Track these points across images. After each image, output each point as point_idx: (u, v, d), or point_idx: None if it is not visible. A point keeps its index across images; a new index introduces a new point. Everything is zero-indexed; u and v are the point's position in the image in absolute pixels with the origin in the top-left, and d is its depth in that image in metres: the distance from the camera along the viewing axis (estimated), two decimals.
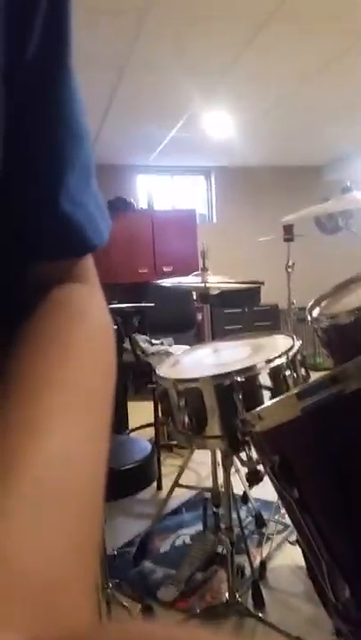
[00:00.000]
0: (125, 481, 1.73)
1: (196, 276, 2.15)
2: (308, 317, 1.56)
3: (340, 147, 5.50)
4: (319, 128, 4.86)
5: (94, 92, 3.65)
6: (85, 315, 0.34)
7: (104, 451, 0.28)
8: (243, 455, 1.36)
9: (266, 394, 1.39)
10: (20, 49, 0.31)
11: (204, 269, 2.10)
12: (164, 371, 1.58)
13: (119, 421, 3.09)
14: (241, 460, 1.38)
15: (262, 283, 2.70)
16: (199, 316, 4.40)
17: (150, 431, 2.86)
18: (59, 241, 0.34)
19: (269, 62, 3.41)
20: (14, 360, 0.29)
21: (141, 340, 3.24)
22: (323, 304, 1.61)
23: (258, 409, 0.87)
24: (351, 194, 2.04)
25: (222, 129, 4.63)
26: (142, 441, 1.99)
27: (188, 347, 2.08)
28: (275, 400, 0.94)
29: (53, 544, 0.21)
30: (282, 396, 0.87)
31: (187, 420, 1.45)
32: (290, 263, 2.33)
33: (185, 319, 4.49)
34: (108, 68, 3.35)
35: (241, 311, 5.17)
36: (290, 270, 2.32)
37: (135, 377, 3.35)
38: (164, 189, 6.15)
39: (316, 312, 1.58)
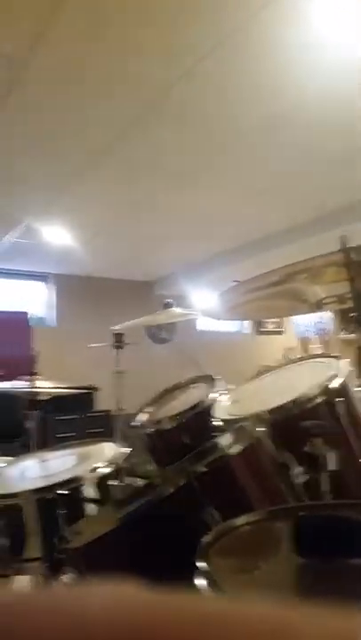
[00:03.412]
0: None
1: (26, 380, 2.08)
2: (135, 423, 1.59)
3: (166, 266, 6.11)
4: (147, 250, 5.42)
5: None
6: None
7: None
8: (67, 578, 1.26)
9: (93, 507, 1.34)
10: None
11: (34, 374, 2.05)
12: None
13: None
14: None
15: (96, 388, 2.71)
16: (29, 424, 4.15)
17: None
18: None
19: (93, 195, 3.85)
20: None
21: None
22: (148, 410, 1.67)
23: (76, 524, 0.84)
24: (171, 310, 2.26)
25: (60, 240, 4.81)
26: None
27: (12, 458, 1.93)
28: (93, 513, 0.92)
29: None
30: (99, 509, 0.86)
31: (6, 542, 1.31)
32: (119, 369, 2.40)
33: (11, 427, 4.19)
34: None
35: (74, 418, 5.03)
36: (118, 376, 2.38)
37: None
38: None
39: (142, 418, 1.63)
